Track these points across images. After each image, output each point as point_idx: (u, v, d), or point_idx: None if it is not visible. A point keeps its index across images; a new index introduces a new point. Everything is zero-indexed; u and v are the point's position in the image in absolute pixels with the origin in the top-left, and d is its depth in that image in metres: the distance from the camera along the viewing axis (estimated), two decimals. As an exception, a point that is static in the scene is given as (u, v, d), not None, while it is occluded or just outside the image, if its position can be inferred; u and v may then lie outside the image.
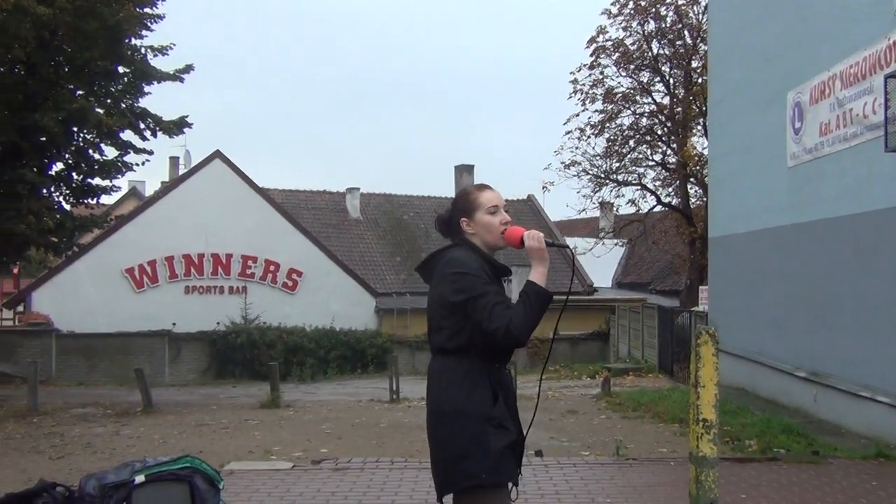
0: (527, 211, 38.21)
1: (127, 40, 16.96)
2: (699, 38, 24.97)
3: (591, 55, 27.01)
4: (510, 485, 3.11)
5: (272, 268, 27.26)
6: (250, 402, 16.16)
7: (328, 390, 20.48)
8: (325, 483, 6.73)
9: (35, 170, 16.77)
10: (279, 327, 25.73)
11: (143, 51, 17.57)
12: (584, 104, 27.48)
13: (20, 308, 26.14)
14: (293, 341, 25.41)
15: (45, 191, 17.75)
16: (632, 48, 26.58)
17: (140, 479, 4.57)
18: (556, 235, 36.76)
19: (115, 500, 4.61)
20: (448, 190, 40.50)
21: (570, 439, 10.20)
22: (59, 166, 18.20)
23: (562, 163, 28.63)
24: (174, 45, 17.78)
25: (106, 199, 21.32)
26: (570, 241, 35.05)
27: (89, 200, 19.06)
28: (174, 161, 39.63)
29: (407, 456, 8.34)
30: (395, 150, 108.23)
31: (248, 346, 24.93)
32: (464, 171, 40.63)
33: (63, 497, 5.18)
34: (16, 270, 28.55)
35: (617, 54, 26.81)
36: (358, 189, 34.88)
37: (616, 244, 31.60)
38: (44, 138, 16.48)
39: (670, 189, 27.73)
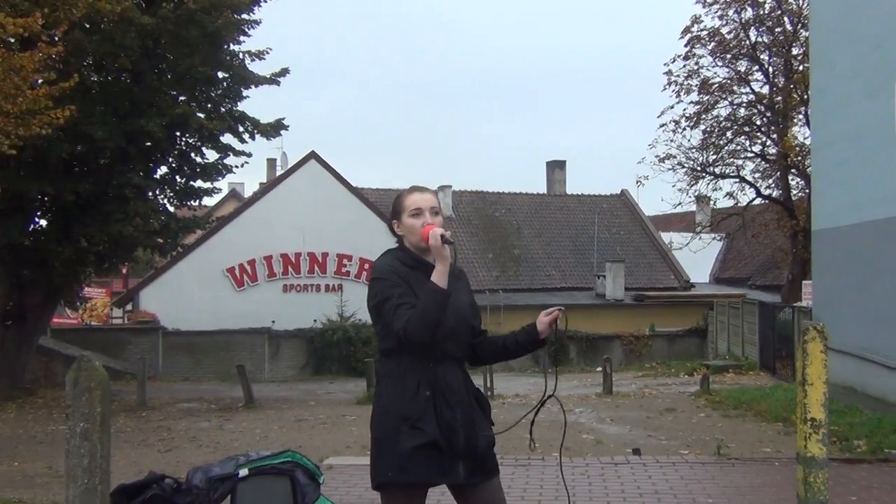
0: (620, 206, 37.65)
1: (226, 46, 17.44)
2: (800, 25, 24.09)
3: (686, 45, 26.40)
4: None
5: (367, 266, 27.61)
6: (347, 399, 16.45)
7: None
8: (421, 479, 6.77)
9: (141, 174, 17.43)
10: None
11: (240, 56, 18.04)
12: (678, 96, 26.87)
13: (129, 307, 27.26)
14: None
15: (150, 194, 18.42)
16: (728, 37, 25.86)
17: (244, 472, 4.70)
18: (650, 230, 36.18)
19: (221, 492, 4.75)
20: (540, 186, 40.28)
21: (669, 437, 10.02)
22: (163, 170, 18.88)
23: (656, 156, 27.97)
24: (270, 49, 18.20)
25: (207, 201, 22.02)
26: (666, 237, 34.57)
27: (192, 202, 19.68)
28: (271, 163, 40.65)
29: (502, 453, 8.30)
30: (486, 148, 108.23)
31: (344, 344, 25.35)
32: (555, 166, 40.37)
33: (172, 488, 5.37)
34: (125, 271, 29.78)
35: (713, 44, 26.12)
36: (450, 187, 35.01)
37: (713, 238, 30.82)
38: (149, 143, 17.11)
39: (770, 181, 26.86)
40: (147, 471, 6.76)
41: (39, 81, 12.15)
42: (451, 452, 3.11)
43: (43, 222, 17.92)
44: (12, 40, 12.51)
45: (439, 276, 3.15)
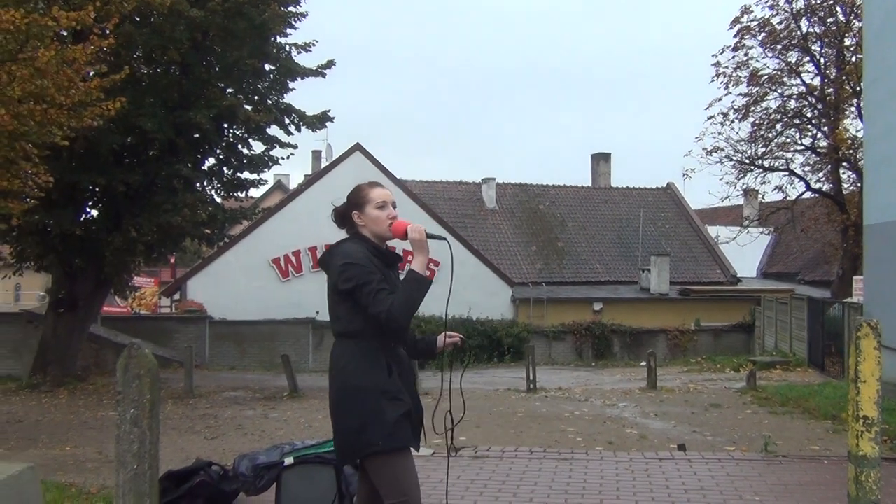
0: (666, 199, 37.25)
1: (272, 39, 17.57)
2: (853, 14, 23.54)
3: (735, 36, 25.96)
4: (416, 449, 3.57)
5: (409, 258, 27.66)
6: (390, 389, 16.50)
7: (465, 379, 20.58)
8: (464, 471, 6.79)
9: (189, 165, 17.67)
10: (416, 316, 26.06)
11: (287, 48, 18.17)
12: (727, 88, 26.44)
13: (177, 296, 27.68)
14: (430, 330, 25.76)
15: (198, 185, 18.65)
16: (779, 27, 25.37)
17: (289, 461, 4.76)
18: (696, 224, 35.74)
19: (267, 479, 4.81)
20: (585, 179, 40.02)
21: (714, 434, 9.90)
22: (211, 161, 19.12)
23: (703, 149, 27.53)
24: (316, 41, 18.29)
25: (254, 192, 22.22)
26: (713, 230, 34.15)
27: (239, 193, 19.88)
28: (317, 154, 40.94)
29: (545, 446, 8.30)
30: (530, 140, 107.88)
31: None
32: (600, 159, 40.06)
33: (218, 475, 5.45)
34: (173, 261, 30.23)
35: (763, 34, 25.65)
36: (493, 179, 34.94)
37: (761, 233, 30.33)
38: (197, 135, 17.32)
39: (821, 174, 26.32)
40: (194, 457, 6.89)
41: (91, 74, 12.35)
42: (416, 421, 3.58)
43: (94, 212, 18.26)
44: (65, 33, 12.75)
45: (421, 266, 3.51)
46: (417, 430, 3.61)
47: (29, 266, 19.22)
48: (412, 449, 3.54)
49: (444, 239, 3.71)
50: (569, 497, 5.90)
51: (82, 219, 17.62)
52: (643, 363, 19.31)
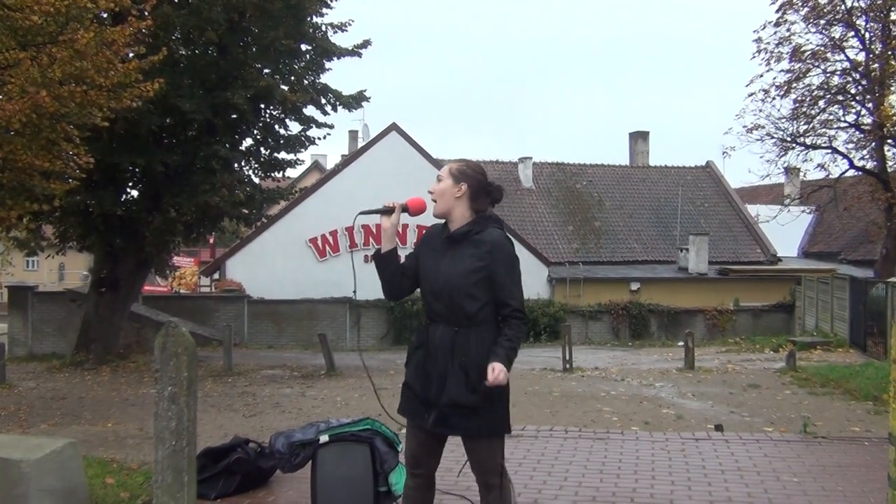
0: (705, 178, 36.80)
1: (308, 18, 17.60)
2: (900, -12, 22.95)
3: (777, 11, 25.42)
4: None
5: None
6: (426, 368, 16.57)
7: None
8: (499, 449, 6.79)
9: (227, 145, 17.81)
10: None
11: (323, 28, 18.19)
12: (768, 64, 25.92)
13: (216, 275, 28.02)
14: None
15: (236, 165, 18.82)
16: (822, 2, 24.80)
17: (325, 438, 4.80)
18: (736, 203, 35.28)
19: (303, 457, 4.86)
20: (623, 158, 39.66)
21: (752, 414, 9.82)
22: (248, 142, 19.26)
23: (744, 126, 27.03)
24: (352, 21, 18.29)
25: (291, 173, 22.37)
26: (753, 209, 33.63)
27: (276, 174, 20.04)
28: (353, 134, 41.02)
29: (581, 426, 8.29)
30: (567, 119, 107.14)
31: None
32: (638, 137, 39.64)
33: (255, 452, 5.53)
34: (212, 240, 30.59)
35: (806, 9, 25.08)
36: (530, 158, 34.76)
37: (803, 211, 29.84)
38: (234, 115, 17.44)
39: (864, 152, 25.73)
40: (232, 435, 6.98)
41: (130, 55, 12.45)
42: (423, 399, 3.59)
43: (134, 193, 18.52)
44: (104, 15, 12.86)
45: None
46: (424, 408, 3.61)
47: (72, 246, 19.60)
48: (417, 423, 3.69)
49: (382, 211, 3.86)
50: (604, 476, 5.89)
51: (123, 199, 17.89)
52: (681, 343, 19.16)
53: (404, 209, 3.77)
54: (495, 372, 3.37)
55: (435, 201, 3.70)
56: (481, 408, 3.48)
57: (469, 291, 3.52)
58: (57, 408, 11.88)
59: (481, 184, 3.69)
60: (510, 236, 3.71)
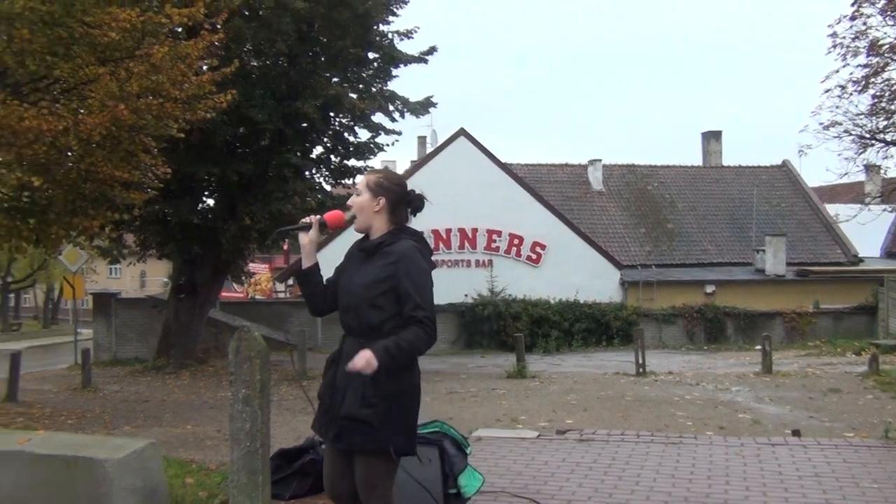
0: (781, 177, 35.90)
1: (375, 27, 17.80)
2: None
3: (853, 4, 24.65)
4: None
5: (516, 241, 27.70)
6: (497, 372, 16.57)
7: (573, 362, 20.53)
8: (569, 453, 6.76)
9: (299, 154, 18.11)
10: (524, 299, 26.11)
11: (389, 36, 18.36)
12: (844, 59, 25.06)
13: (290, 281, 28.49)
14: (538, 313, 25.71)
15: (307, 173, 19.13)
16: (901, -7, 24.01)
17: (395, 440, 4.84)
18: (814, 202, 34.31)
19: (373, 459, 4.91)
20: (695, 158, 38.97)
21: (833, 419, 9.54)
22: (319, 150, 19.57)
23: (820, 124, 26.19)
24: (418, 28, 18.42)
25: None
26: (832, 208, 32.63)
27: (346, 181, 20.28)
28: (422, 140, 41.21)
29: (654, 430, 8.19)
30: (637, 121, 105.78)
31: (494, 318, 25.58)
32: (711, 137, 38.91)
33: (327, 454, 5.60)
34: (286, 247, 31.12)
35: (883, 1, 24.31)
36: (600, 160, 34.43)
37: (885, 210, 28.85)
38: (305, 124, 17.76)
39: (949, 147, 24.83)
40: (305, 437, 7.10)
41: (204, 68, 12.78)
42: (328, 410, 3.48)
43: (210, 202, 19.01)
44: (178, 30, 13.23)
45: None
46: (328, 421, 3.47)
47: (152, 254, 20.20)
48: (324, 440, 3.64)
49: (302, 229, 3.69)
50: (676, 482, 5.80)
51: (199, 208, 18.37)
52: (758, 347, 18.74)
53: (322, 224, 3.64)
54: (358, 356, 3.23)
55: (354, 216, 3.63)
56: (376, 424, 3.32)
57: (373, 302, 3.40)
58: (139, 410, 12.25)
59: (400, 196, 3.60)
60: (428, 246, 3.59)
